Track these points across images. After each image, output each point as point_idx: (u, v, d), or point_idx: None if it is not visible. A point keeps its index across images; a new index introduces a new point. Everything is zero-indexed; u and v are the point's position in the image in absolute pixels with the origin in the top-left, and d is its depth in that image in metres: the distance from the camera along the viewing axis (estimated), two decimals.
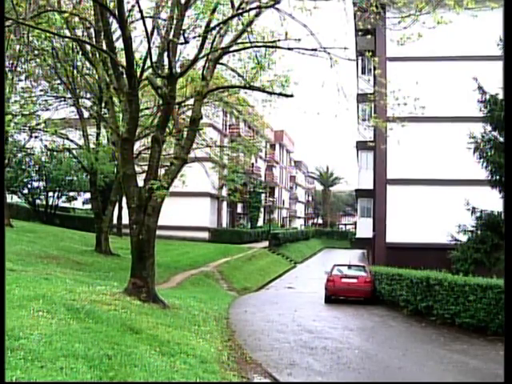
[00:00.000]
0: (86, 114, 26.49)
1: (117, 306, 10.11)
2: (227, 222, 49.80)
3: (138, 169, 20.18)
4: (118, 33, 15.58)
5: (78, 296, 10.26)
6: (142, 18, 11.88)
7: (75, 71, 23.26)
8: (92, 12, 16.03)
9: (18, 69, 22.33)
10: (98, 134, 26.32)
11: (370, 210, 31.42)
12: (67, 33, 17.95)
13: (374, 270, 20.30)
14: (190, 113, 17.74)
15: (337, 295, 19.45)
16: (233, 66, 15.30)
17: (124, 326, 8.47)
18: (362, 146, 29.82)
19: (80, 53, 20.55)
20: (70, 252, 23.33)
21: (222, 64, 14.98)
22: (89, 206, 38.65)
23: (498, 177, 16.71)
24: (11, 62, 21.52)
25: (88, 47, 18.60)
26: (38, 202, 38.91)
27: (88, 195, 36.54)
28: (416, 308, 15.60)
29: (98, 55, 16.31)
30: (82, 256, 22.95)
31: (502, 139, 16.63)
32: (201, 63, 15.19)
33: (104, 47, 13.47)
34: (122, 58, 14.96)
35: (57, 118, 26.10)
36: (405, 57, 24.50)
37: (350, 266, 21.01)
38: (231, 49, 13.73)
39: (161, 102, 15.07)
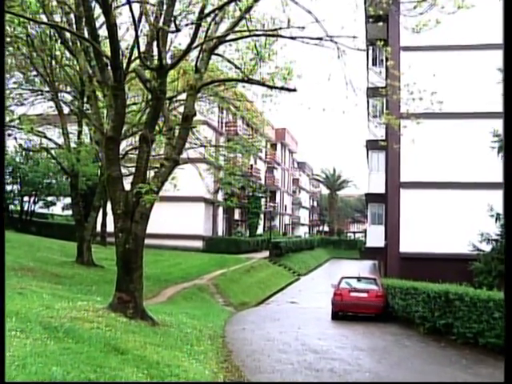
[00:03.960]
0: (66, 110, 26.48)
1: (100, 324, 10.06)
2: (223, 229, 49.77)
3: (124, 171, 20.14)
4: (102, 19, 15.59)
5: (56, 313, 10.20)
6: (129, 2, 11.87)
7: (53, 62, 23.25)
8: None
9: None
10: (80, 132, 26.34)
11: (382, 217, 31.40)
12: (44, 18, 17.93)
13: (387, 283, 20.28)
14: (182, 109, 17.76)
15: (345, 311, 19.41)
16: (229, 56, 15.31)
17: (108, 346, 8.43)
18: (372, 145, 29.82)
19: (59, 41, 20.54)
20: (47, 263, 23.27)
21: (217, 55, 14.99)
22: (69, 212, 38.60)
23: None
24: None
25: (68, 35, 18.58)
26: (11, 207, 38.87)
27: (68, 200, 36.49)
28: (434, 326, 15.55)
29: (79, 44, 16.28)
30: (62, 268, 22.88)
31: None
32: (194, 54, 15.18)
33: (86, 35, 13.46)
34: (106, 48, 14.95)
35: (33, 114, 26.12)
36: (421, 46, 24.54)
37: (359, 279, 20.96)
38: (228, 38, 13.75)
39: (150, 96, 15.06)
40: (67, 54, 21.87)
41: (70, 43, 18.73)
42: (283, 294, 33.91)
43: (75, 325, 9.38)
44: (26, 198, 38.63)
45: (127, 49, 17.88)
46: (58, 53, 22.91)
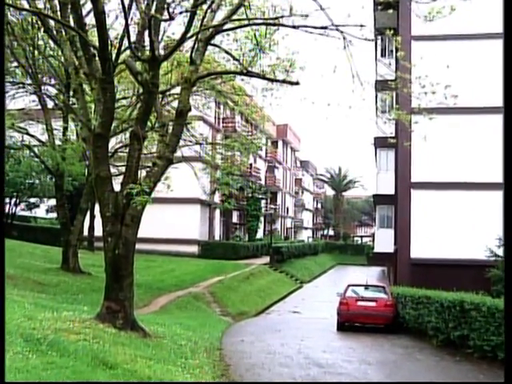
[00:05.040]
0: (50, 104, 26.45)
1: (87, 336, 10.06)
2: (220, 233, 49.77)
3: (113, 170, 20.15)
4: (89, 6, 15.57)
5: (39, 324, 10.19)
6: None
7: (36, 52, 23.21)
8: None
9: None
10: (65, 129, 26.28)
11: (391, 220, 31.38)
12: (25, 4, 17.89)
13: (396, 292, 20.26)
14: (175, 104, 17.73)
15: (351, 321, 19.42)
16: (227, 47, 15.29)
17: (96, 360, 8.41)
18: (381, 143, 29.83)
19: (42, 29, 20.51)
20: (30, 270, 23.24)
21: (214, 45, 14.96)
22: (54, 215, 38.58)
23: None
24: None
25: (52, 23, 18.55)
26: None
27: (53, 202, 36.44)
28: (448, 338, 15.53)
29: (64, 33, 16.28)
30: (46, 275, 22.86)
31: None
32: (189, 44, 15.16)
33: (71, 23, 13.44)
34: (93, 37, 14.93)
35: (14, 109, 26.07)
36: (434, 35, 24.50)
37: (367, 287, 20.97)
38: (225, 27, 13.72)
39: (141, 90, 15.04)
40: (51, 43, 21.83)
41: (55, 32, 18.69)
42: (285, 302, 33.93)
43: (60, 337, 9.36)
44: (6, 200, 38.55)
45: (116, 38, 17.86)
46: (41, 42, 22.87)
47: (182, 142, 21.28)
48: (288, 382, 10.82)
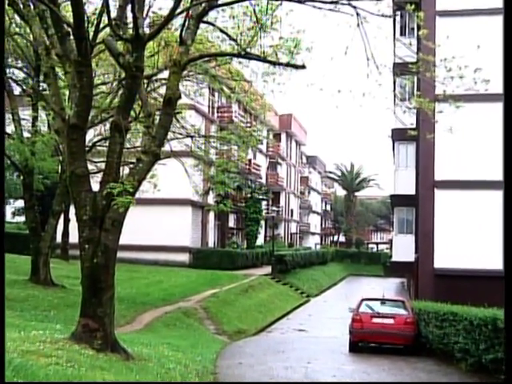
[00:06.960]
0: (16, 90, 26.41)
1: (60, 359, 10.02)
2: (215, 239, 49.78)
3: (91, 167, 20.14)
4: None
5: None
6: None
7: None
8: None
9: None
10: (35, 119, 26.27)
11: (412, 224, 31.40)
12: None
13: (418, 307, 20.28)
14: (163, 90, 17.71)
15: (366, 341, 19.43)
16: (222, 25, 15.27)
17: None
18: (399, 135, 29.81)
19: (6, 3, 20.44)
20: None
21: (207, 23, 14.94)
22: (22, 219, 38.53)
23: None
24: None
25: None
26: None
27: (21, 203, 36.41)
28: (479, 361, 15.45)
29: (32, 7, 16.24)
30: (11, 288, 22.81)
31: None
32: (178, 21, 15.13)
33: None
34: (67, 12, 14.89)
35: None
36: (462, 10, 24.48)
37: (383, 301, 20.98)
38: (220, 1, 13.70)
39: (123, 74, 15.02)
40: (17, 19, 21.76)
41: (21, 5, 18.64)
42: (289, 319, 34.01)
43: (28, 360, 9.31)
44: None
45: (94, 14, 17.80)
46: (5, 18, 22.78)
47: (170, 135, 21.27)
48: (288, 382, 11.39)
